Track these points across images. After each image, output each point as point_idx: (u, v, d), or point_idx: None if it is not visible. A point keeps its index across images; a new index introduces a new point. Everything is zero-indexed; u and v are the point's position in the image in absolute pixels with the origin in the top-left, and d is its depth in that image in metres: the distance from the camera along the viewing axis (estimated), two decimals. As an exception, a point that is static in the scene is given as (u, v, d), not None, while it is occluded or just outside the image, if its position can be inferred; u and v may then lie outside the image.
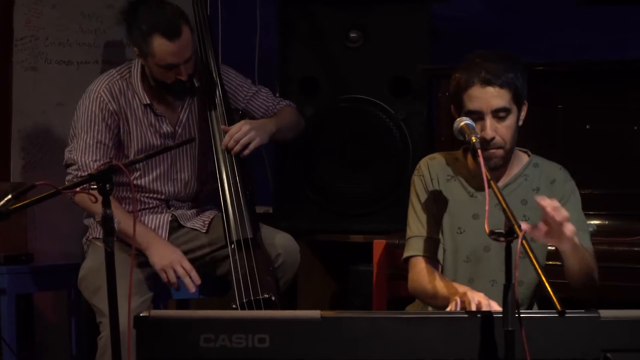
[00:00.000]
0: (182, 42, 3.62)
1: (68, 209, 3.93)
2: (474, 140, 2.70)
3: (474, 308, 2.60)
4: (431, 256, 3.02)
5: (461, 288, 2.80)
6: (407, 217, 3.09)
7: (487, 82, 2.85)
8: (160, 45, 3.60)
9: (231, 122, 3.79)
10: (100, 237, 3.58)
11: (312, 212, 4.31)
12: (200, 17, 3.92)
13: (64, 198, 3.57)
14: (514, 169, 3.03)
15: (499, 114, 2.87)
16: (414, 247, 3.04)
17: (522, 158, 3.06)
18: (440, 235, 3.04)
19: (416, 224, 3.05)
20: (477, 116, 2.87)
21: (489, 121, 2.86)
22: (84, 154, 3.68)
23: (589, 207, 3.72)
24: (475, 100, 2.87)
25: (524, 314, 2.23)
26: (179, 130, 3.80)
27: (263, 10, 4.79)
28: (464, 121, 2.79)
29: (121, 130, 3.73)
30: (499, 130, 2.88)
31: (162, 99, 3.77)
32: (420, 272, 2.99)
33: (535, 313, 2.70)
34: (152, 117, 3.76)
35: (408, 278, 3.04)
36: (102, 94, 3.70)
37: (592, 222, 3.67)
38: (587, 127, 3.81)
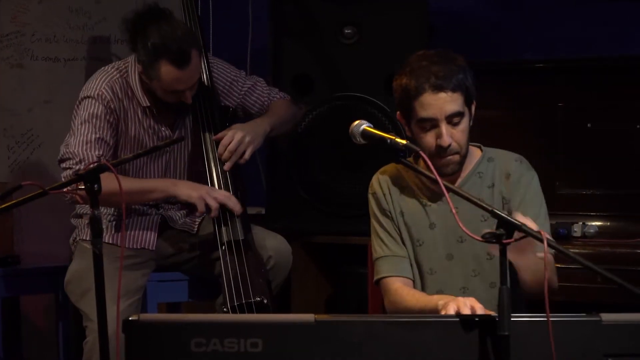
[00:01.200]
0: (191, 69, 3.52)
1: (55, 209, 3.89)
2: (403, 142, 2.56)
3: (468, 312, 2.53)
4: (403, 274, 2.95)
5: (446, 297, 2.72)
6: (370, 238, 3.02)
7: (439, 88, 2.78)
8: (168, 72, 3.50)
9: (222, 121, 3.73)
10: (88, 238, 3.55)
11: (305, 213, 4.26)
12: (189, 12, 3.85)
13: (52, 198, 3.49)
14: (467, 167, 2.95)
15: (454, 119, 2.81)
16: (384, 269, 2.96)
17: (474, 154, 2.98)
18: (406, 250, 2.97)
19: (380, 245, 2.99)
20: (432, 124, 2.81)
21: (444, 128, 2.80)
22: (86, 147, 3.54)
23: (591, 208, 3.70)
24: (429, 107, 2.80)
25: (523, 317, 2.22)
26: (177, 134, 3.73)
27: (255, 5, 4.75)
28: (364, 125, 2.71)
29: (118, 131, 3.65)
30: (455, 136, 2.82)
31: (161, 103, 3.68)
32: (397, 293, 2.91)
33: (535, 317, 2.65)
34: (152, 120, 3.68)
35: (384, 300, 2.97)
36: (104, 91, 3.60)
37: (594, 223, 3.64)
38: (589, 125, 3.81)
